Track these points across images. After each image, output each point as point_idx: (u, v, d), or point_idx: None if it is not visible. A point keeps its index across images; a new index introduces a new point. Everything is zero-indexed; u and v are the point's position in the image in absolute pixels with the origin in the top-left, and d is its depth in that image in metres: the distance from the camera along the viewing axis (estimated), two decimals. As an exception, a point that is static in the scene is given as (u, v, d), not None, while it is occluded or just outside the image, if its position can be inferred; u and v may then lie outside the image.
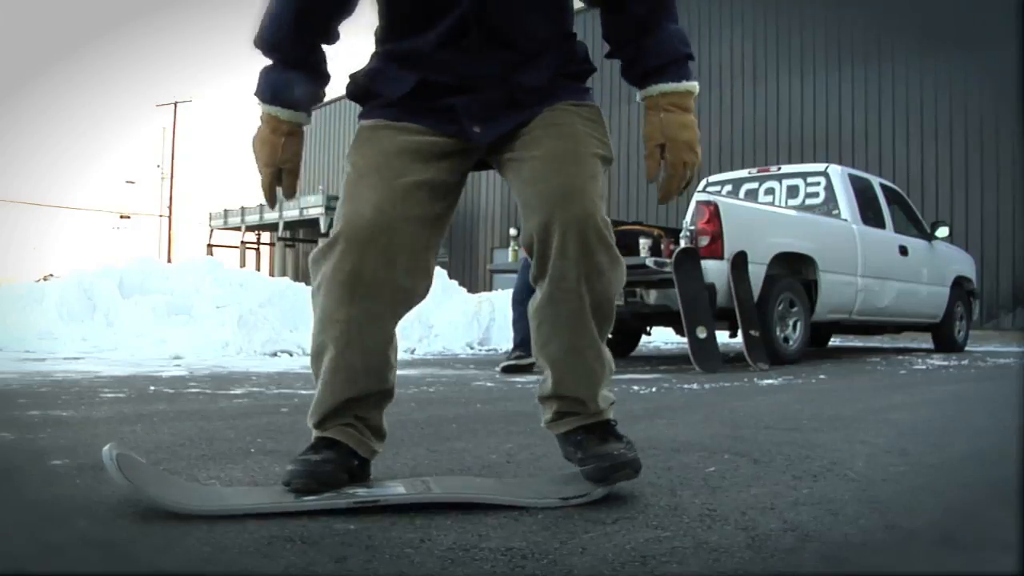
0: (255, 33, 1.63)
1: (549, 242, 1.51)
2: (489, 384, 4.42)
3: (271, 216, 29.75)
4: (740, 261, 5.70)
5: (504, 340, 7.91)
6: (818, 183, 7.20)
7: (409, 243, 1.56)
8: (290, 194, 1.71)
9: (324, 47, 1.67)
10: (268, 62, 1.64)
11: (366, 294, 1.53)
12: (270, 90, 1.63)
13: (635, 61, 1.65)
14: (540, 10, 1.60)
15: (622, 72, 1.68)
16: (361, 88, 1.68)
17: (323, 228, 24.35)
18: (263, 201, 1.75)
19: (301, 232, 27.32)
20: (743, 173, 7.86)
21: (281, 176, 1.65)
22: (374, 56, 1.67)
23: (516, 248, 6.40)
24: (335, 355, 1.56)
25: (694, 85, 1.64)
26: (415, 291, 1.62)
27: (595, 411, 1.62)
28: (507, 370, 5.21)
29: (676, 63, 1.63)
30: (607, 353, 1.63)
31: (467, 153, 1.64)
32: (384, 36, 1.66)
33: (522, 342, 5.53)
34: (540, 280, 1.57)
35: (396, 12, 1.62)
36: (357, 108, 1.72)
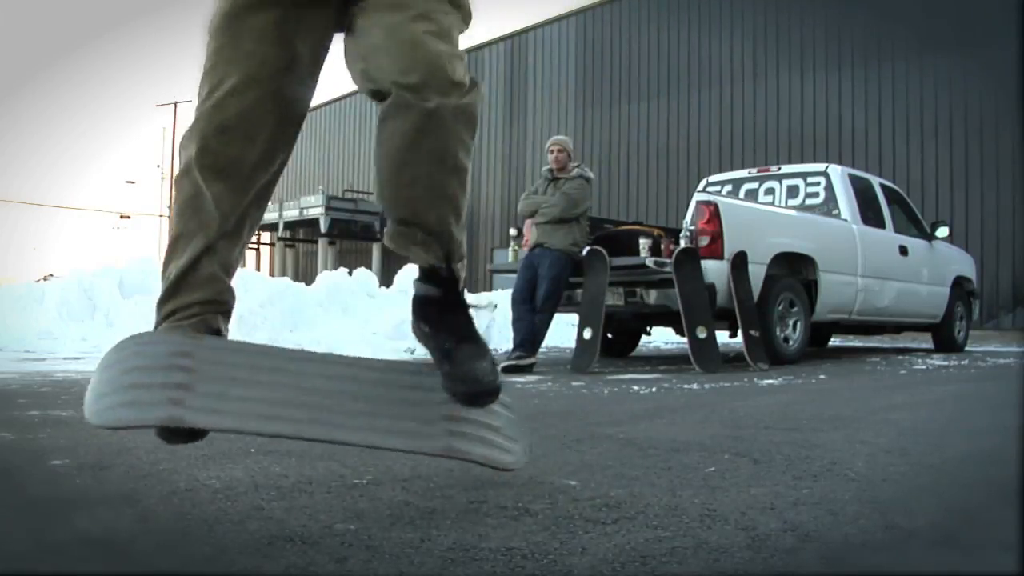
0: None
1: (391, 93, 1.43)
2: (489, 384, 4.41)
3: (271, 216, 29.73)
4: (740, 261, 5.70)
5: (504, 340, 7.92)
6: (818, 183, 7.20)
7: (272, 121, 1.52)
8: None
9: None
10: None
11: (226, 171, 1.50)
12: None
13: None
14: None
15: None
16: None
17: (323, 228, 24.33)
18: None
19: (301, 232, 27.32)
20: (743, 173, 7.86)
21: None
22: None
23: (516, 248, 6.41)
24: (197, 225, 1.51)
25: None
26: (259, 166, 1.56)
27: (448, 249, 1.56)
28: (507, 370, 5.21)
29: None
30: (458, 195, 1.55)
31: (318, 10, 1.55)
32: None
33: (522, 342, 5.53)
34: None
35: None
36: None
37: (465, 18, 1.55)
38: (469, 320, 1.62)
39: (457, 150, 1.49)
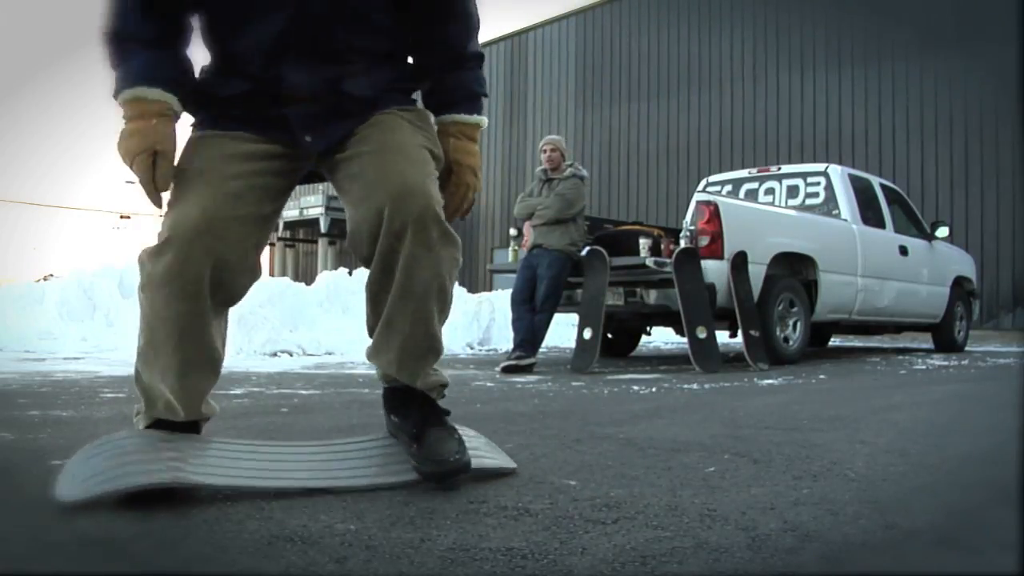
0: (102, 31, 1.55)
1: (386, 229, 1.57)
2: (489, 384, 4.42)
3: (271, 216, 29.65)
4: (740, 261, 5.70)
5: (504, 340, 7.92)
6: (818, 183, 7.20)
7: (235, 242, 1.58)
8: (164, 185, 1.56)
9: (182, 43, 1.63)
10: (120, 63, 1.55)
11: (193, 292, 1.55)
12: (131, 75, 1.52)
13: (434, 92, 1.80)
14: (360, 29, 1.65)
15: (423, 97, 1.82)
16: (191, 95, 1.64)
17: (323, 228, 24.32)
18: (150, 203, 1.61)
19: (301, 232, 27.32)
20: (743, 173, 7.86)
21: (155, 161, 1.53)
22: (203, 68, 1.69)
23: (516, 248, 6.41)
24: (171, 349, 1.57)
25: (483, 120, 1.81)
26: (240, 289, 1.67)
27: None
28: (507, 370, 5.21)
29: (470, 99, 1.79)
30: (438, 334, 1.70)
31: (298, 159, 1.70)
32: (208, 36, 1.66)
33: (522, 342, 5.53)
34: (370, 261, 1.63)
35: (216, 13, 1.63)
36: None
37: (439, 166, 1.72)
38: (435, 406, 1.74)
39: (445, 280, 1.65)
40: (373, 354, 1.73)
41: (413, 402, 1.71)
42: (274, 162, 1.66)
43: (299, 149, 1.68)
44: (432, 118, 1.79)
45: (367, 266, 1.65)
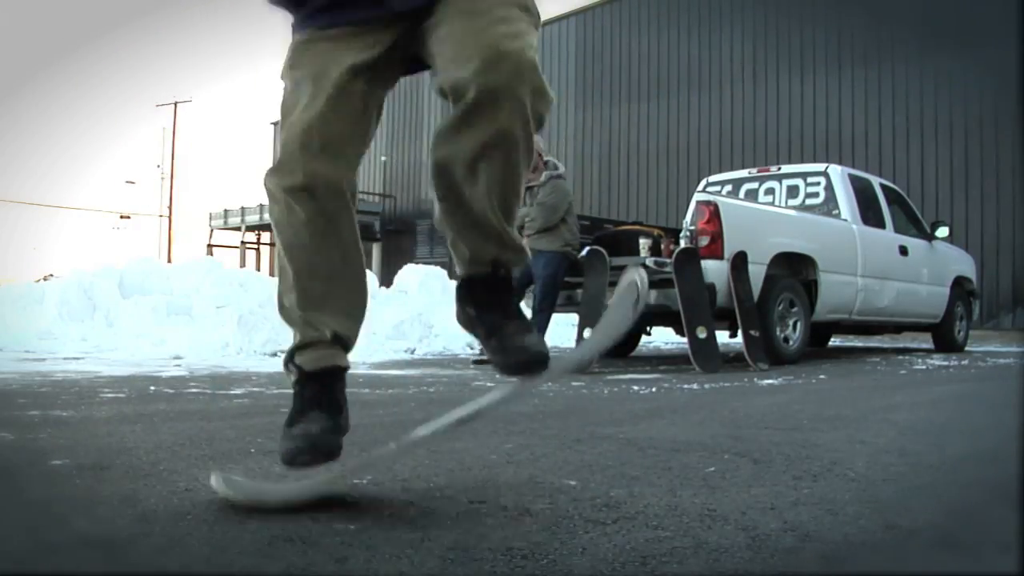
0: None
1: (470, 92, 1.46)
2: (489, 384, 4.42)
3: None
4: (740, 261, 5.70)
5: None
6: (818, 183, 7.20)
7: (351, 144, 1.58)
8: None
9: None
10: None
11: (324, 195, 1.54)
12: None
13: None
14: None
15: None
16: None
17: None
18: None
19: (301, 232, 27.36)
20: (743, 173, 7.86)
21: None
22: None
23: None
24: (311, 250, 1.57)
25: None
26: (352, 181, 1.62)
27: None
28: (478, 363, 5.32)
29: None
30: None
31: (392, 37, 1.61)
32: None
33: None
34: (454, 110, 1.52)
35: None
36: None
37: (536, 24, 1.60)
38: (514, 299, 1.68)
39: (521, 158, 1.53)
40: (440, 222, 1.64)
41: (491, 292, 1.64)
42: (372, 51, 1.59)
43: (391, 22, 1.59)
44: None
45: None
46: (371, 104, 1.63)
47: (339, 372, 1.63)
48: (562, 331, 8.21)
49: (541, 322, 5.64)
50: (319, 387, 1.59)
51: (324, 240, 1.58)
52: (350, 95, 1.57)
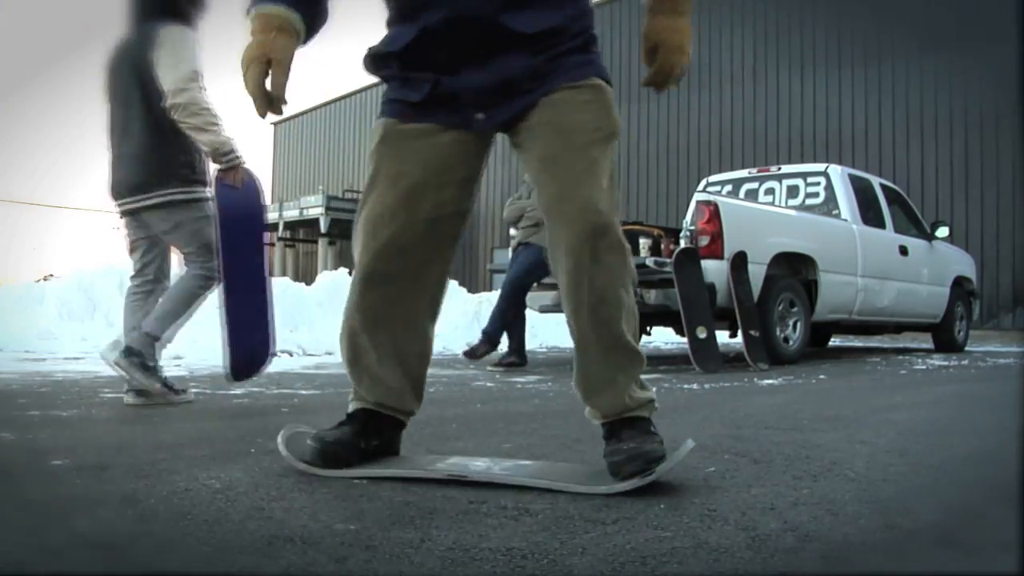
0: None
1: (556, 250, 1.66)
2: (489, 384, 4.42)
3: (271, 216, 29.71)
4: (740, 261, 5.70)
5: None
6: (818, 183, 7.20)
7: (420, 239, 1.73)
8: (280, 91, 1.63)
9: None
10: None
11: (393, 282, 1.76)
12: None
13: None
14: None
15: None
16: (378, 66, 1.75)
17: (323, 228, 24.31)
18: (256, 111, 1.65)
19: (301, 232, 27.32)
20: (743, 173, 7.86)
21: (268, 70, 1.61)
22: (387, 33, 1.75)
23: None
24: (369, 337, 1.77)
25: None
26: (442, 277, 1.83)
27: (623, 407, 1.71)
28: (466, 355, 5.43)
29: None
30: (630, 345, 1.70)
31: (478, 139, 1.75)
32: (391, 18, 1.74)
33: (484, 332, 5.57)
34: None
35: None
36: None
37: (610, 138, 1.73)
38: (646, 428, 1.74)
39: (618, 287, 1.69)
40: (577, 390, 1.76)
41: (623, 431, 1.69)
42: (454, 148, 1.72)
43: (474, 130, 1.72)
44: (601, 83, 1.76)
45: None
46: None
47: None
48: (562, 331, 8.21)
49: (497, 311, 5.63)
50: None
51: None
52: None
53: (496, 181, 21.49)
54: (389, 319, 1.76)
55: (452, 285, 9.48)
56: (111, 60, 3.28)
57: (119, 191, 3.29)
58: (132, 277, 3.44)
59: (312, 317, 7.98)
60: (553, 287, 5.78)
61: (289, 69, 1.63)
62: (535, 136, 1.68)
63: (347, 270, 9.24)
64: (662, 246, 5.92)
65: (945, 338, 8.31)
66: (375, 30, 1.77)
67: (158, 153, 3.16)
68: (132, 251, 3.43)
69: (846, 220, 6.92)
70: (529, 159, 1.70)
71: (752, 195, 7.43)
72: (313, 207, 24.47)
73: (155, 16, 3.13)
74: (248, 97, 1.63)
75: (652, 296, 6.09)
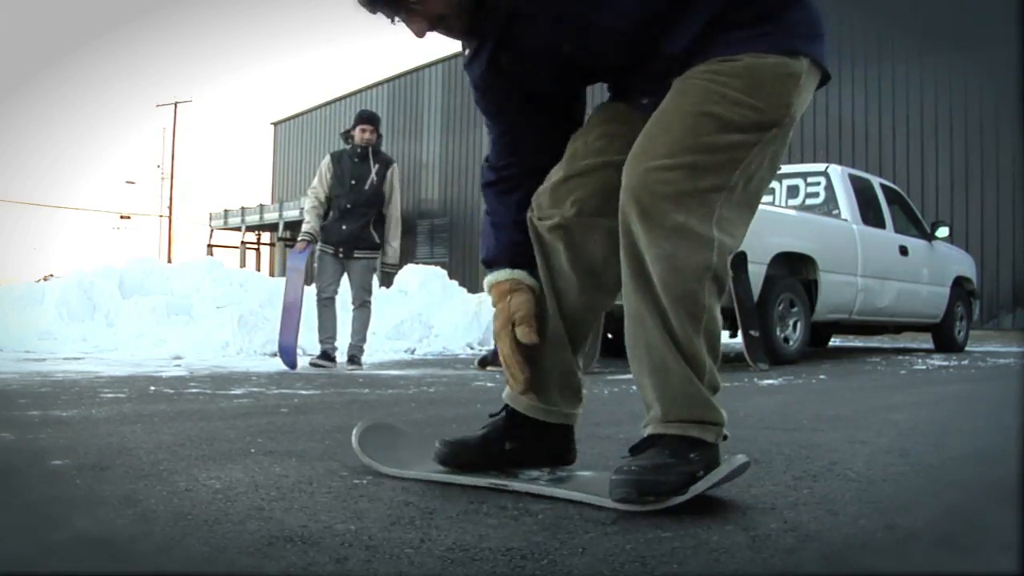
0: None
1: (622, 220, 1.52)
2: (489, 384, 4.41)
3: (271, 216, 29.70)
4: (740, 261, 5.70)
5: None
6: (818, 183, 7.20)
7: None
8: (529, 338, 1.67)
9: None
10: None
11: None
12: (486, 256, 1.76)
13: None
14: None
15: None
16: None
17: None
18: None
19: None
20: (743, 173, 7.84)
21: (515, 331, 1.67)
22: None
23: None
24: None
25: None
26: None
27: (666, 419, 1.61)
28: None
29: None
30: (695, 352, 1.53)
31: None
32: None
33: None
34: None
35: None
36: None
37: (745, 118, 1.53)
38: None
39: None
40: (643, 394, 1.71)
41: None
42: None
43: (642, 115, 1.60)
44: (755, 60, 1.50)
45: None
46: None
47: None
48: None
49: None
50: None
51: None
52: None
53: (496, 181, 21.48)
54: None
55: (452, 285, 9.47)
56: None
57: None
58: None
59: (312, 317, 7.97)
60: None
61: (533, 322, 1.68)
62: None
63: (347, 270, 9.21)
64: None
65: (945, 338, 8.31)
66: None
67: None
68: None
69: (846, 220, 6.92)
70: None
71: (752, 195, 7.42)
72: (313, 207, 24.45)
73: None
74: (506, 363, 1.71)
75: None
